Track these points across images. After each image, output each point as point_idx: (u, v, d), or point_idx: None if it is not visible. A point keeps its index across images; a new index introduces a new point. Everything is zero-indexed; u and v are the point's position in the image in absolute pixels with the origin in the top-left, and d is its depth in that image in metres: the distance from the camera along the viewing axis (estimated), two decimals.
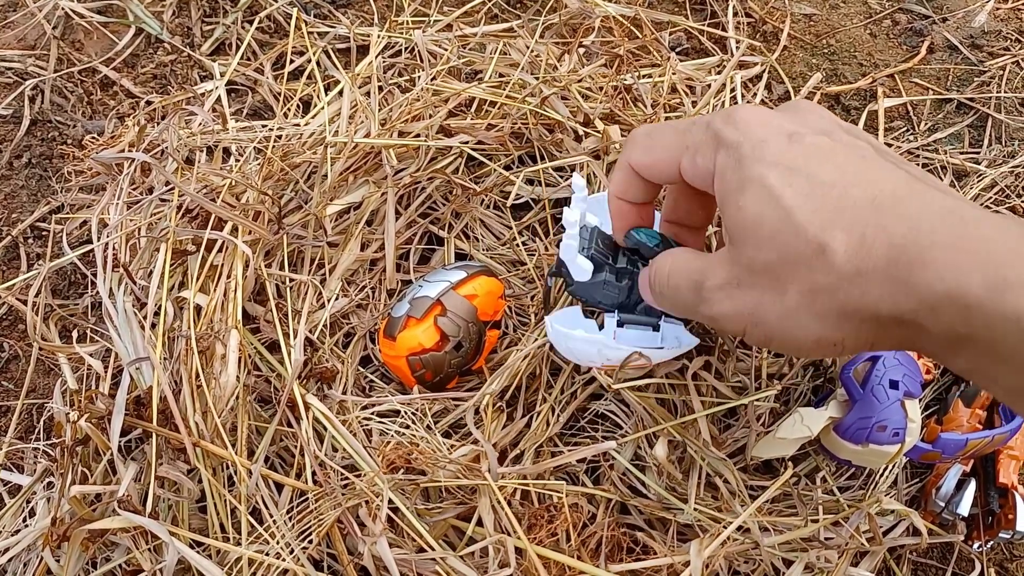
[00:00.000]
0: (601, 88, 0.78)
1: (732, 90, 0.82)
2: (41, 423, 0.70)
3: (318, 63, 0.84)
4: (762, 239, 0.38)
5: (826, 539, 0.61)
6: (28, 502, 0.65)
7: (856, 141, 0.39)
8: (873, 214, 0.36)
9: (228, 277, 0.66)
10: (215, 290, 0.65)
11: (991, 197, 0.84)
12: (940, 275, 0.33)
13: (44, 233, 0.80)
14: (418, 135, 0.74)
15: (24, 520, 0.64)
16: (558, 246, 0.55)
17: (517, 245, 0.74)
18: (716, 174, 0.40)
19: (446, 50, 0.82)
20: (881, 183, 0.36)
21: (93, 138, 0.82)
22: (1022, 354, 0.31)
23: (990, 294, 0.31)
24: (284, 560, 0.56)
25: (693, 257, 0.45)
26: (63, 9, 0.91)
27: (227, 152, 0.76)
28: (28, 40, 0.91)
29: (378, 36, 0.84)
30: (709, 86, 0.82)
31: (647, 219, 0.51)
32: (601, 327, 0.57)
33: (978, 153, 0.88)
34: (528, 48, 0.81)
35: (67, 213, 0.79)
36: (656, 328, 0.56)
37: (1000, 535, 0.66)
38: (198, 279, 0.66)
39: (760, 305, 0.39)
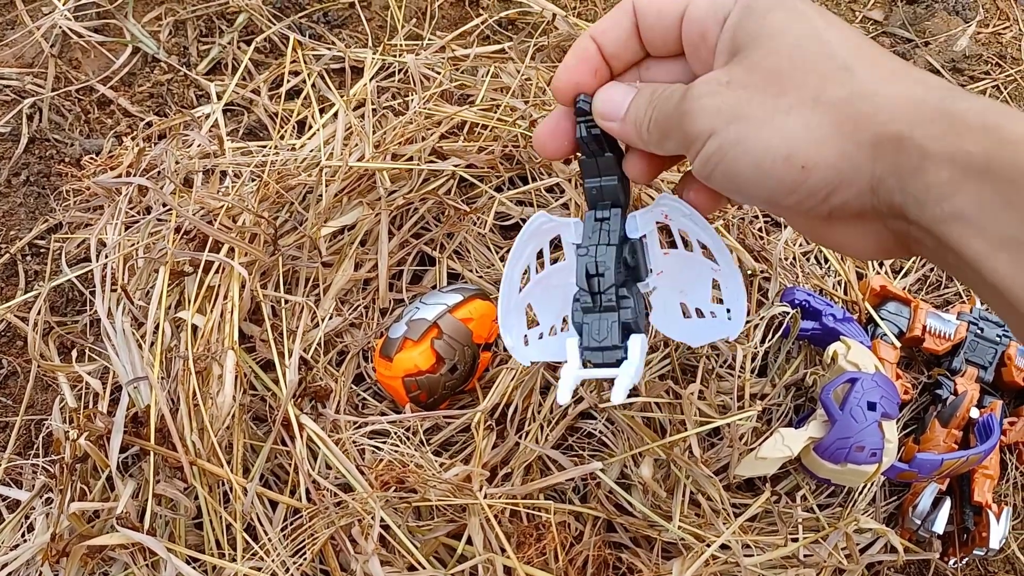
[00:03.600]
0: None
1: None
2: (40, 439, 0.72)
3: (313, 85, 0.85)
4: (781, 46, 0.35)
5: (805, 556, 0.63)
6: (27, 517, 0.66)
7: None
8: (908, 67, 0.34)
9: (225, 298, 0.67)
10: (212, 311, 0.67)
11: None
12: (984, 107, 0.31)
13: (42, 251, 0.81)
14: (411, 158, 0.75)
15: (23, 535, 0.65)
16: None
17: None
18: (743, 1, 0.37)
19: (439, 74, 0.84)
20: (925, 78, 0.34)
21: (91, 158, 0.83)
22: None
23: None
24: None
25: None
26: (61, 28, 0.92)
27: (224, 174, 0.78)
28: (26, 58, 0.92)
29: (372, 59, 0.86)
30: None
31: (600, 81, 0.44)
32: None
33: None
34: (519, 72, 0.83)
35: (65, 232, 0.80)
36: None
37: (975, 552, 0.68)
38: (195, 300, 0.67)
39: (747, 102, 0.35)
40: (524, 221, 0.76)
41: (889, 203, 0.33)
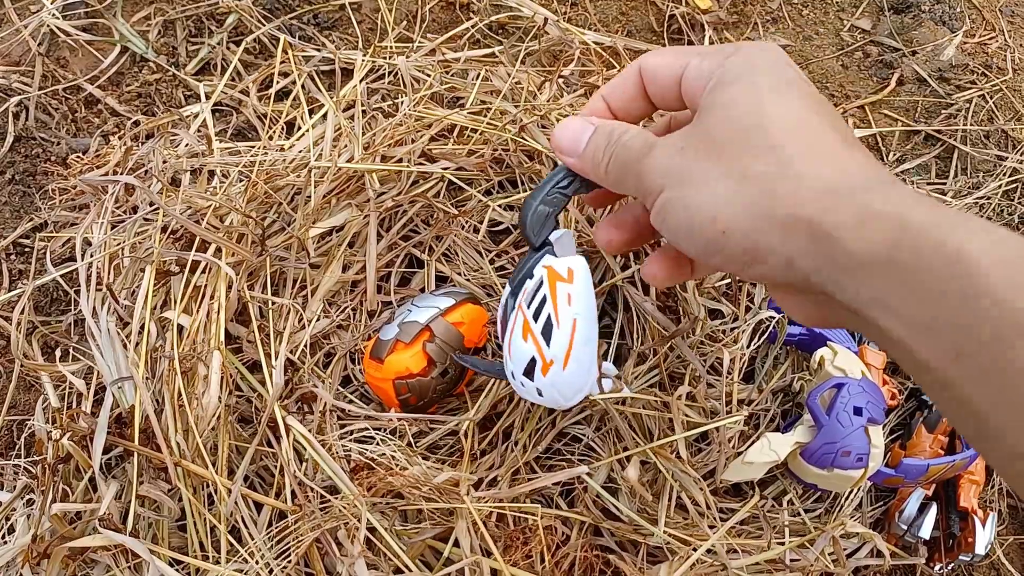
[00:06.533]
0: None
1: None
2: (22, 440, 0.71)
3: (302, 86, 0.85)
4: (727, 118, 0.39)
5: (792, 561, 0.63)
6: (7, 519, 0.65)
7: (846, 129, 0.41)
8: (843, 149, 0.37)
9: (211, 298, 0.67)
10: (198, 311, 0.66)
11: None
12: (890, 198, 0.34)
13: (27, 250, 0.81)
14: (400, 160, 0.75)
15: (3, 537, 0.65)
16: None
17: (494, 270, 0.76)
18: (720, 71, 0.41)
19: (429, 76, 0.84)
20: (852, 160, 0.38)
21: (78, 157, 0.83)
22: (942, 289, 0.31)
23: (934, 224, 0.32)
24: None
25: (643, 129, 0.46)
26: (49, 26, 0.91)
27: (211, 173, 0.77)
28: (13, 56, 0.91)
29: (362, 61, 0.86)
30: None
31: None
32: None
33: (944, 184, 0.91)
34: (509, 76, 0.83)
35: (50, 231, 0.80)
36: None
37: (960, 558, 0.69)
38: (182, 300, 0.67)
39: (692, 169, 0.39)
40: (514, 227, 0.77)
41: (807, 282, 0.36)
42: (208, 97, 0.86)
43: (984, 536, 0.68)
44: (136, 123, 0.86)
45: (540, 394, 0.53)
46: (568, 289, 0.50)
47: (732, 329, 0.70)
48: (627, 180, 0.44)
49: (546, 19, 0.91)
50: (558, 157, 0.47)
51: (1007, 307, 0.29)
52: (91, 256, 0.72)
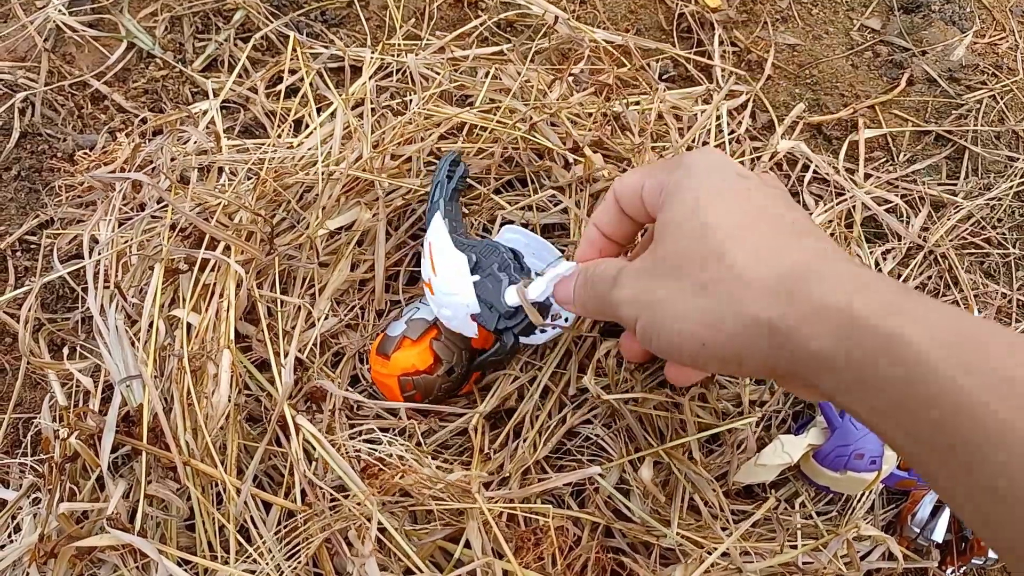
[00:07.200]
0: (590, 115, 0.80)
1: (718, 119, 0.84)
2: (28, 438, 0.70)
3: (311, 84, 0.85)
4: (676, 235, 0.41)
5: (804, 564, 0.62)
6: (13, 518, 0.65)
7: (794, 215, 0.42)
8: (790, 239, 0.39)
9: (221, 296, 0.66)
10: (207, 309, 0.66)
11: (967, 228, 0.87)
12: (832, 289, 0.35)
13: (33, 246, 0.80)
14: (409, 158, 0.75)
15: (9, 536, 0.64)
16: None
17: None
18: (666, 187, 0.44)
19: (438, 74, 0.83)
20: (799, 250, 0.39)
21: (84, 153, 0.82)
22: (886, 377, 0.32)
23: (877, 314, 0.33)
24: None
25: (618, 259, 0.50)
26: (54, 22, 0.91)
27: (220, 171, 0.77)
28: (19, 52, 0.91)
29: (371, 58, 0.85)
30: (696, 116, 0.83)
31: (604, 255, 0.55)
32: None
33: (955, 185, 0.90)
34: (519, 74, 0.82)
35: (57, 228, 0.79)
36: None
37: (973, 561, 0.68)
38: (191, 298, 0.66)
39: (657, 292, 0.41)
40: (524, 226, 0.76)
41: (791, 373, 0.37)
42: (216, 94, 0.85)
43: None
44: (144, 120, 0.86)
45: (444, 306, 0.63)
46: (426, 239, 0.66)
47: None
48: (606, 312, 0.46)
49: (556, 17, 0.91)
50: (566, 308, 0.53)
51: (948, 387, 0.30)
52: (99, 254, 0.72)
